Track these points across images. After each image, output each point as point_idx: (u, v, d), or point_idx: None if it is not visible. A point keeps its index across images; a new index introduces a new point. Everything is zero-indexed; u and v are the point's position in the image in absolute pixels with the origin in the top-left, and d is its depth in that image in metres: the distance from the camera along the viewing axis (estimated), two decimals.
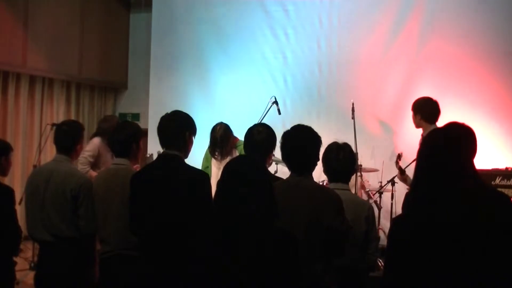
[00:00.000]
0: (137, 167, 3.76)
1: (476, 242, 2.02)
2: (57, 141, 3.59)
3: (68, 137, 3.56)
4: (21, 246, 3.69)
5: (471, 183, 2.14)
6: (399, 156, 5.22)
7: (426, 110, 4.80)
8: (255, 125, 3.24)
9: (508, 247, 2.01)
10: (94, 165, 5.44)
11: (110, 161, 5.37)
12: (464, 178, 2.14)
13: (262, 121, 6.02)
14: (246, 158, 2.44)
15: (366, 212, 3.25)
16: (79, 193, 3.39)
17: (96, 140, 5.52)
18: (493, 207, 2.08)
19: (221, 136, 5.03)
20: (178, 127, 3.12)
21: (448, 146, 2.18)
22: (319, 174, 3.27)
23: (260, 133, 3.14)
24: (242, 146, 3.48)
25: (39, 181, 3.50)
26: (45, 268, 3.47)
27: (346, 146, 3.28)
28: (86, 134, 7.86)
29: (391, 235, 2.24)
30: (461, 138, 2.21)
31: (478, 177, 2.16)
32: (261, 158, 3.04)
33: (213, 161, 5.15)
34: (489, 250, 2.02)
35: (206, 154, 5.24)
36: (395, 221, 2.29)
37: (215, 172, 4.99)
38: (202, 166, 5.21)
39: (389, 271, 2.22)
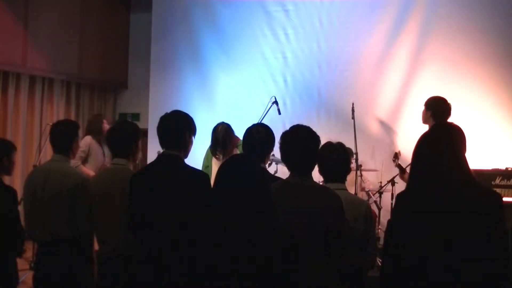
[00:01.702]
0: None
1: (465, 237, 2.07)
2: (54, 141, 3.59)
3: (64, 137, 3.56)
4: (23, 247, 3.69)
5: (463, 181, 2.18)
6: (396, 156, 5.21)
7: (438, 108, 4.78)
8: (254, 125, 3.24)
9: (495, 243, 2.06)
10: (85, 160, 5.92)
11: (101, 158, 6.00)
12: (456, 176, 2.18)
13: (262, 121, 6.03)
14: (240, 158, 2.43)
15: (364, 211, 3.25)
16: (77, 192, 3.40)
17: (88, 138, 6.04)
18: (483, 204, 2.12)
19: (222, 136, 5.04)
20: (178, 127, 3.11)
21: (441, 145, 2.23)
22: (318, 174, 3.27)
23: (259, 133, 3.15)
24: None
25: (37, 180, 3.50)
26: (43, 267, 3.47)
27: (340, 145, 3.30)
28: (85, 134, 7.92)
29: (387, 233, 2.27)
30: (451, 138, 2.26)
31: (470, 175, 2.20)
32: (258, 157, 3.04)
33: (214, 161, 5.16)
34: (477, 244, 2.07)
35: (207, 154, 5.25)
36: (390, 221, 2.33)
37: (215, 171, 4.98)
38: (202, 165, 5.21)
39: (386, 267, 2.24)
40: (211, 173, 4.99)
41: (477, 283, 2.08)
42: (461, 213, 2.11)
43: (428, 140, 2.30)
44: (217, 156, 5.11)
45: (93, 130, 6.08)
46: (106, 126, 6.15)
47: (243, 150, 3.21)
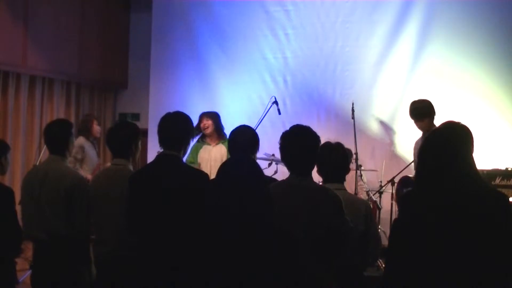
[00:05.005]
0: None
1: (471, 238, 2.06)
2: (49, 142, 3.58)
3: (59, 138, 3.55)
4: (22, 247, 3.68)
5: (470, 182, 2.16)
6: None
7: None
8: (238, 127, 3.29)
9: (503, 243, 2.05)
10: (81, 161, 5.92)
11: (95, 158, 6.03)
12: (463, 177, 2.17)
13: (262, 121, 6.07)
14: (240, 159, 2.44)
15: (364, 211, 3.25)
16: (74, 192, 3.40)
17: (81, 139, 6.04)
18: (490, 205, 2.11)
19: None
20: (180, 128, 3.13)
21: (447, 146, 2.22)
22: (317, 174, 3.28)
23: (244, 134, 3.19)
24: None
25: (34, 181, 3.50)
26: (41, 267, 3.47)
27: (339, 145, 3.31)
28: None
29: (392, 233, 2.27)
30: (459, 138, 2.24)
31: (478, 175, 2.19)
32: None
33: (203, 150, 5.41)
34: (484, 245, 2.05)
35: (192, 151, 5.34)
36: (396, 222, 2.32)
37: (206, 159, 5.36)
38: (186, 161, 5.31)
39: (390, 267, 2.24)
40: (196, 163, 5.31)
41: (485, 284, 2.07)
42: (468, 214, 2.10)
43: (437, 140, 2.29)
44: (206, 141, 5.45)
45: (83, 130, 6.12)
46: (96, 127, 6.16)
47: (230, 152, 3.26)
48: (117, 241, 3.24)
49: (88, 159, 5.95)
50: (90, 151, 6.01)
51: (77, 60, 8.19)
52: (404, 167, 5.62)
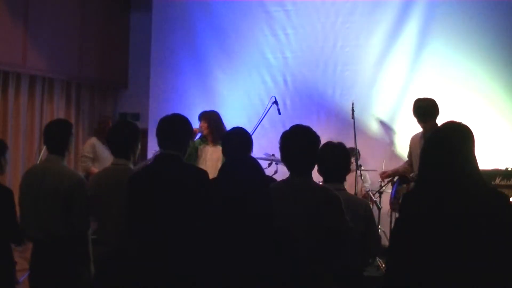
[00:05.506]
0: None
1: (472, 238, 2.06)
2: (48, 142, 3.58)
3: (58, 138, 3.55)
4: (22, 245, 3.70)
5: (472, 181, 2.17)
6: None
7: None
8: (232, 129, 3.31)
9: (504, 243, 2.05)
10: (94, 161, 6.12)
11: (108, 158, 5.89)
12: (465, 177, 2.17)
13: (262, 121, 6.07)
14: (241, 159, 2.44)
15: (363, 212, 3.25)
16: (72, 192, 3.40)
17: (93, 139, 6.29)
18: (491, 205, 2.11)
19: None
20: (178, 130, 3.14)
21: (448, 146, 2.22)
22: (317, 174, 3.28)
23: (241, 135, 3.22)
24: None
25: (33, 181, 3.51)
26: (39, 267, 3.47)
27: (340, 145, 3.31)
28: (85, 134, 7.94)
29: (393, 233, 2.27)
30: (461, 138, 2.25)
31: (479, 175, 2.19)
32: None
33: (202, 149, 5.43)
34: (485, 245, 2.05)
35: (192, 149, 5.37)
36: (396, 222, 2.33)
37: (203, 158, 5.37)
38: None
39: (391, 266, 2.24)
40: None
41: (486, 284, 2.07)
42: (469, 214, 2.10)
43: (438, 140, 2.29)
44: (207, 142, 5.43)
45: (99, 131, 6.35)
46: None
47: (224, 153, 3.27)
48: (117, 241, 3.24)
49: (100, 158, 6.04)
50: (103, 151, 6.06)
51: (77, 60, 8.19)
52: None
